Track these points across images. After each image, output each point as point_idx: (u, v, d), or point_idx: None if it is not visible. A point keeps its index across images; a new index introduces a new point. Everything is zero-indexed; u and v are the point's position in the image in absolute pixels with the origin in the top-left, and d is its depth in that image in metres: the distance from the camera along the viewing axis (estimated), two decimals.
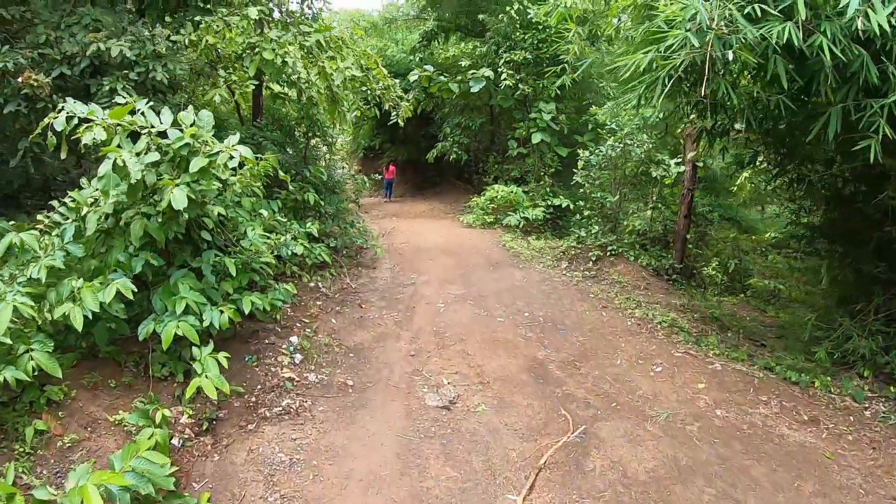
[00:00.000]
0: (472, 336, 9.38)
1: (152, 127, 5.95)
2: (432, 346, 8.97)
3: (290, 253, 9.57)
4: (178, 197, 5.58)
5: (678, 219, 14.40)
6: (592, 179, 15.45)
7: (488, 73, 18.66)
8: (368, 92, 14.24)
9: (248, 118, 14.09)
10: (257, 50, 9.97)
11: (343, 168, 15.38)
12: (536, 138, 18.63)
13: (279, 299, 7.97)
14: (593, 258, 13.94)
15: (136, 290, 5.64)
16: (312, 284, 11.67)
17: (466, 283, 12.24)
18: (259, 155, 8.31)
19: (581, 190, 16.46)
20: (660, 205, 14.45)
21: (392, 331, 9.57)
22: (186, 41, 9.48)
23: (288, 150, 13.22)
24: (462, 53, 19.59)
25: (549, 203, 18.20)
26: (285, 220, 10.87)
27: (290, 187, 11.82)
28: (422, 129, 26.28)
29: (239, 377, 7.04)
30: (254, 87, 12.71)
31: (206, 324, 6.18)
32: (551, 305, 11.11)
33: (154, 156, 5.67)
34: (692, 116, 9.37)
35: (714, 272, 14.56)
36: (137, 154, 5.65)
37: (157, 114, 6.14)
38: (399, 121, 20.95)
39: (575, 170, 19.92)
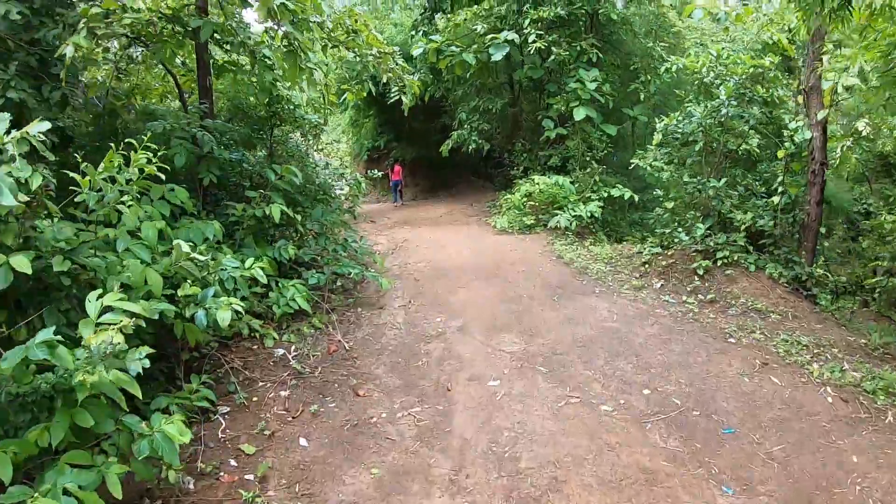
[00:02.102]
0: (573, 466, 4.52)
1: None
2: None
3: (208, 320, 4.77)
4: None
5: (808, 207, 9.42)
6: (673, 158, 10.51)
7: (512, 36, 13.76)
8: (359, 61, 9.53)
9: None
10: None
11: (329, 166, 10.33)
12: (580, 114, 13.70)
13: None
14: (698, 271, 8.97)
15: None
16: (281, 351, 6.92)
17: (526, 329, 7.40)
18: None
19: (658, 174, 11.54)
20: (788, 187, 9.41)
21: (414, 462, 4.78)
22: None
23: (242, 152, 8.50)
24: (475, 17, 14.72)
25: (604, 195, 13.25)
26: (227, 251, 6.24)
27: (251, 196, 7.23)
28: (431, 121, 21.43)
29: None
30: (197, 59, 8.10)
31: None
32: (679, 368, 6.26)
33: None
34: None
35: (879, 282, 9.51)
36: None
37: None
38: (405, 103, 15.95)
39: (611, 151, 15.07)
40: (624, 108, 15.39)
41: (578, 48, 14.04)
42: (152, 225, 5.40)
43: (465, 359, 6.64)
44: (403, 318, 8.08)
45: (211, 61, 8.48)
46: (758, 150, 9.79)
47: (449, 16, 16.46)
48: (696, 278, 8.99)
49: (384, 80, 9.91)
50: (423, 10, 18.16)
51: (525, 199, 13.28)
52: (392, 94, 18.49)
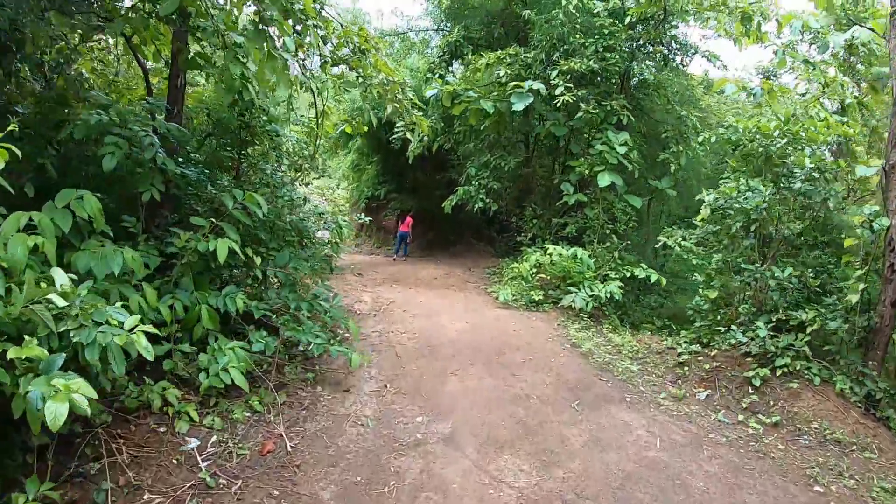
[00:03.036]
0: None
1: None
2: None
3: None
4: None
5: (882, 307, 7.42)
6: (722, 239, 8.61)
7: (538, 85, 12.03)
8: (361, 83, 7.80)
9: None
10: None
11: (306, 202, 8.28)
12: (604, 180, 11.85)
13: None
14: (754, 381, 6.91)
15: None
16: (193, 443, 4.79)
17: (539, 451, 5.30)
18: None
19: (687, 255, 9.71)
20: (870, 278, 7.40)
21: None
22: None
23: (202, 169, 6.63)
24: (499, 61, 13.05)
25: (625, 274, 11.24)
26: (147, 293, 4.40)
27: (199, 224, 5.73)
28: (437, 174, 19.66)
29: None
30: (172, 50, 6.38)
31: None
32: None
33: None
34: None
35: None
36: None
37: None
38: (411, 148, 14.32)
39: (635, 225, 13.21)
40: (649, 179, 13.59)
41: (608, 107, 12.33)
42: (24, 239, 3.44)
43: (452, 492, 4.49)
44: (374, 411, 5.94)
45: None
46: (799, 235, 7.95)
47: (471, 57, 14.82)
48: (751, 390, 6.90)
49: (388, 112, 8.13)
50: (441, 54, 16.56)
51: (535, 271, 11.25)
52: (397, 134, 16.83)
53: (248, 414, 5.54)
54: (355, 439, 5.34)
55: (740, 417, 6.39)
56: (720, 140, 11.65)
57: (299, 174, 9.34)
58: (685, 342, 8.25)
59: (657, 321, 11.96)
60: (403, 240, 19.35)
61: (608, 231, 12.27)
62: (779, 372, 7.02)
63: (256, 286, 6.91)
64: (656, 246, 11.30)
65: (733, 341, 7.57)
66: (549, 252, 11.21)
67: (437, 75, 15.63)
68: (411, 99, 8.56)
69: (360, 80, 7.69)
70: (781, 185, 7.72)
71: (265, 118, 7.15)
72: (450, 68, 16.52)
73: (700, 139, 11.94)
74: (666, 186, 13.44)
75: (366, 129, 10.75)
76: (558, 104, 11.96)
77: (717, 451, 5.50)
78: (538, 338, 8.72)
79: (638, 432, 5.72)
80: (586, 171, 12.13)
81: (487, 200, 14.51)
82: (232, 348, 5.75)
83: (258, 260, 6.51)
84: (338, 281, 13.94)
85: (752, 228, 8.15)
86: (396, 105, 8.12)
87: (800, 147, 7.67)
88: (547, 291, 11.16)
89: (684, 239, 10.49)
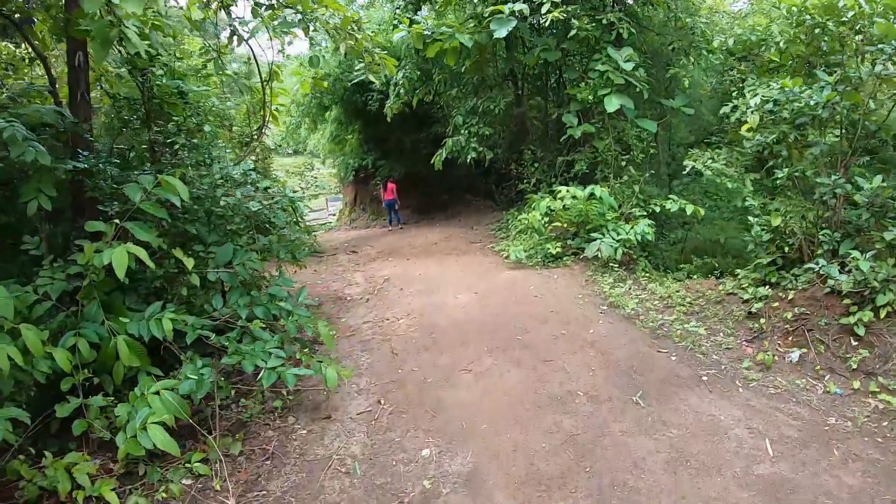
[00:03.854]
0: None
1: None
2: None
3: None
4: None
5: None
6: (780, 149, 6.79)
7: (520, 6, 9.97)
8: (301, 21, 5.90)
9: None
10: None
11: (252, 169, 6.28)
12: (612, 104, 9.89)
13: None
14: (857, 329, 5.15)
15: None
16: None
17: (605, 489, 3.64)
18: None
19: (720, 179, 8.06)
20: None
21: None
22: None
23: (105, 157, 4.86)
24: None
25: (652, 209, 9.42)
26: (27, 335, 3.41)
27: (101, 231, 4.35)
28: (422, 132, 17.63)
29: None
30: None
31: None
32: None
33: None
34: None
35: None
36: None
37: None
38: (387, 107, 12.55)
39: (647, 156, 11.33)
40: (660, 99, 11.61)
41: (604, 21, 10.30)
42: None
43: None
44: (363, 446, 4.24)
45: None
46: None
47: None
48: (855, 341, 5.17)
49: (342, 52, 6.28)
50: (404, 4, 14.39)
51: (547, 220, 9.41)
52: (373, 96, 14.75)
53: (187, 482, 3.87)
54: (338, 499, 3.66)
55: (856, 385, 4.66)
56: (738, 42, 9.82)
57: (248, 148, 7.49)
58: (750, 285, 6.48)
59: (695, 259, 10.19)
60: (392, 208, 17.66)
61: (623, 163, 10.39)
62: (883, 313, 5.26)
63: (195, 296, 5.18)
64: (669, 173, 9.60)
65: (809, 278, 5.82)
66: (559, 196, 9.36)
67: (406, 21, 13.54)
68: (371, 37, 6.73)
69: (300, 18, 5.89)
70: (851, 71, 5.82)
71: (161, 72, 5.27)
72: (418, 13, 14.36)
73: (715, 43, 10.07)
74: (681, 104, 11.48)
75: (325, 84, 8.88)
76: (545, 23, 9.95)
77: (849, 448, 3.80)
78: (566, 301, 6.96)
79: (735, 432, 4.00)
80: (590, 98, 10.16)
81: (480, 149, 12.59)
82: (158, 392, 4.05)
83: (190, 262, 4.77)
84: (327, 263, 12.22)
85: (817, 133, 6.30)
86: (352, 43, 6.27)
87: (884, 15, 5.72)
88: (565, 242, 9.38)
89: (712, 160, 8.82)
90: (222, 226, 5.47)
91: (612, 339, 5.71)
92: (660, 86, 12.13)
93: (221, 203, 5.18)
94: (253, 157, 8.28)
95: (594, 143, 10.71)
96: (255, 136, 7.60)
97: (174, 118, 5.59)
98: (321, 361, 4.77)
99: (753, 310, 6.04)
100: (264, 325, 4.95)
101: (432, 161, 13.07)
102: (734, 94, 8.21)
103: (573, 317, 6.38)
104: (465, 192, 18.79)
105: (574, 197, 9.10)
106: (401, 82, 12.75)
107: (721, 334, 5.80)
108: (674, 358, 5.26)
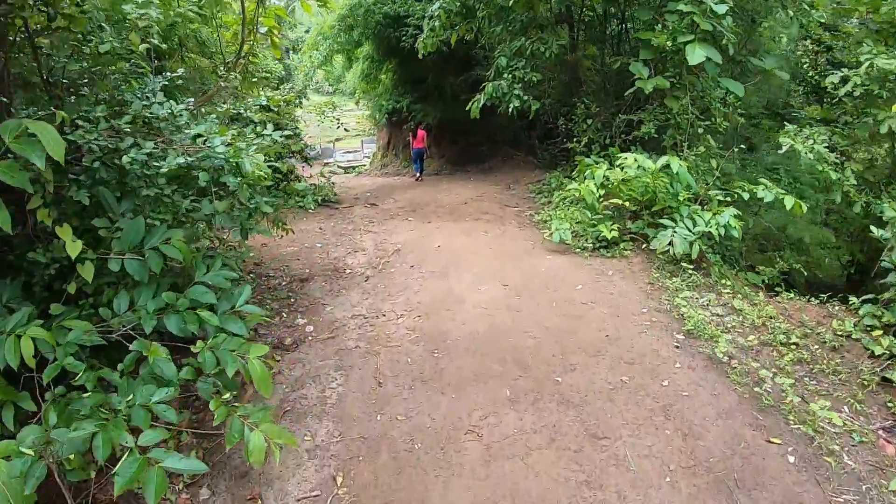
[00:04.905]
0: None
1: None
2: None
3: None
4: None
5: None
6: None
7: None
8: None
9: None
10: None
11: (184, 110, 4.36)
12: (695, 56, 7.61)
13: None
14: None
15: None
16: None
17: None
18: None
19: (825, 168, 6.16)
20: None
21: None
22: None
23: None
24: None
25: (739, 195, 7.26)
26: None
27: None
28: (461, 74, 15.41)
29: None
30: None
31: None
32: None
33: None
34: None
35: None
36: None
37: None
38: (421, 35, 10.54)
39: (743, 122, 9.09)
40: (748, 57, 9.22)
41: None
42: None
43: None
44: None
45: None
46: None
47: None
48: None
49: None
50: None
51: (602, 193, 7.36)
52: (407, 33, 12.76)
53: None
54: None
55: None
56: None
57: (227, 76, 5.60)
58: (878, 329, 4.45)
59: (772, 258, 8.09)
60: (420, 157, 15.89)
61: (701, 130, 8.19)
62: None
63: (98, 295, 3.45)
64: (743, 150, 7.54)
65: None
66: (621, 163, 7.28)
67: None
68: None
69: None
70: None
71: None
72: None
73: None
74: (774, 66, 9.10)
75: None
76: None
77: None
78: (627, 319, 5.03)
79: None
80: (668, 44, 7.91)
81: (525, 98, 10.43)
82: None
83: (77, 246, 3.05)
84: (339, 219, 10.45)
85: None
86: None
87: None
88: (623, 223, 7.37)
89: (813, 141, 6.84)
90: (139, 190, 3.66)
91: (697, 406, 3.79)
92: (740, 42, 9.71)
93: (124, 159, 3.34)
94: (232, 94, 6.41)
95: (666, 101, 8.47)
96: (232, 64, 5.71)
97: (76, 33, 3.73)
98: (247, 415, 2.99)
99: (890, 375, 4.03)
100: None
101: (469, 106, 10.97)
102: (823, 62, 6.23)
103: (638, 351, 4.46)
104: (505, 145, 16.69)
105: (640, 167, 7.02)
106: (437, 13, 10.59)
107: (847, 408, 3.82)
108: (791, 460, 3.33)
